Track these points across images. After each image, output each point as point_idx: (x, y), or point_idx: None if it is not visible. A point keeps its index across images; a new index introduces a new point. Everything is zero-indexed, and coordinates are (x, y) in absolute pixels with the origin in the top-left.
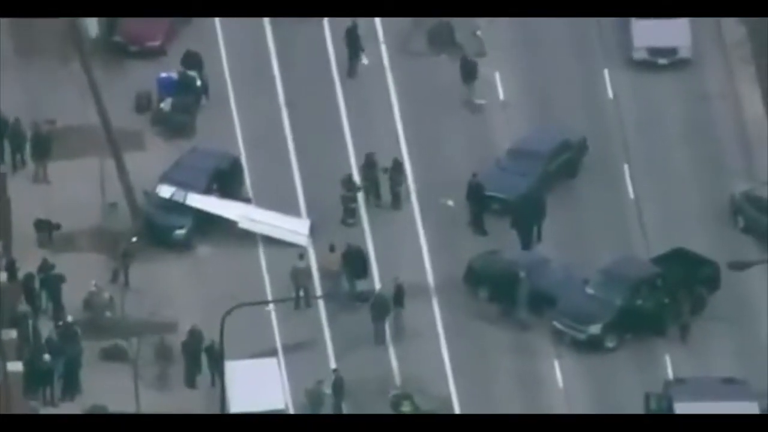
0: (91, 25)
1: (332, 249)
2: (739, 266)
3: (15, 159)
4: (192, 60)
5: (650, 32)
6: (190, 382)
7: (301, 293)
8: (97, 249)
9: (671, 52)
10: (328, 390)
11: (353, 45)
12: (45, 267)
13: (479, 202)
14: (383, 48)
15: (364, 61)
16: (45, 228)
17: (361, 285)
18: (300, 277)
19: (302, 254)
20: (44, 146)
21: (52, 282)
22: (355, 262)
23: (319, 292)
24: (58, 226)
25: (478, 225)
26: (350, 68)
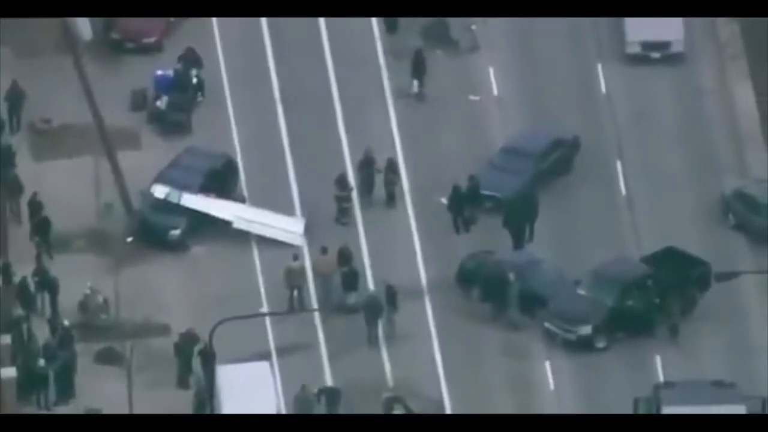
0: (85, 29)
1: (324, 251)
2: (725, 277)
3: (12, 122)
4: (190, 57)
5: (643, 26)
6: (182, 384)
7: (295, 293)
8: (93, 250)
9: (664, 46)
10: (314, 391)
11: (419, 68)
12: (40, 270)
13: (470, 203)
14: (378, 46)
15: (415, 89)
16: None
17: (351, 297)
18: (294, 278)
19: (296, 255)
20: (16, 184)
21: (48, 285)
22: (347, 273)
23: (312, 293)
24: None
25: (462, 227)
26: (419, 92)
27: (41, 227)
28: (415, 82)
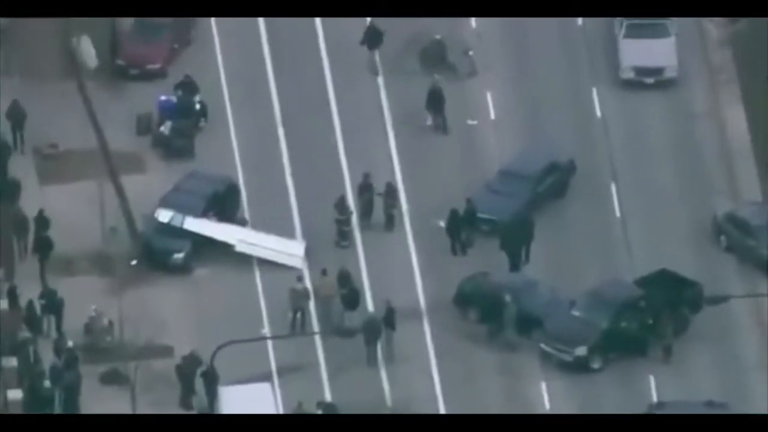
0: (90, 57)
1: (324, 273)
2: (715, 301)
3: (15, 137)
4: (187, 84)
5: (637, 52)
6: (185, 405)
7: (298, 315)
8: (97, 273)
9: (658, 71)
10: (312, 410)
11: (439, 103)
12: (47, 293)
13: (468, 226)
14: (379, 68)
15: (429, 122)
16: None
17: (351, 318)
18: (298, 299)
19: (300, 276)
20: (21, 218)
21: (54, 307)
22: (348, 293)
23: (314, 315)
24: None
25: (460, 250)
26: (443, 126)
27: (42, 244)
28: (430, 117)
